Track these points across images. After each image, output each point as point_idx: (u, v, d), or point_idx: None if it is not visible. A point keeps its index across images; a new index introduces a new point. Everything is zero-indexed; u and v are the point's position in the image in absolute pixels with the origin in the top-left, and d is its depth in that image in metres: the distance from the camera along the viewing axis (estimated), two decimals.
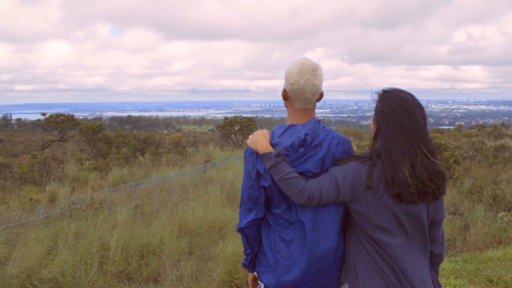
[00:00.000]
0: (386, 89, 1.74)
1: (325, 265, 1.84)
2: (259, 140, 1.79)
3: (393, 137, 1.62)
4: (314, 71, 1.81)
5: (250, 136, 1.85)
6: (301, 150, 1.80)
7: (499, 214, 7.17)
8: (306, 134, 1.82)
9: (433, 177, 1.62)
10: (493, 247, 5.88)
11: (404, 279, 1.66)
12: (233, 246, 5.54)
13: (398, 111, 1.63)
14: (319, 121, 1.88)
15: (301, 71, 1.81)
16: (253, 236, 1.94)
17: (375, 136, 1.72)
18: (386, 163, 1.61)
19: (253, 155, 1.86)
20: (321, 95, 1.88)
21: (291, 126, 1.86)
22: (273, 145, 1.82)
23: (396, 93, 1.70)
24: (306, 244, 1.84)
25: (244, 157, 1.93)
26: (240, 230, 1.93)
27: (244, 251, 2.02)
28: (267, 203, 1.89)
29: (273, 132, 1.89)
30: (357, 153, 1.78)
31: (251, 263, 2.01)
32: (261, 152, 1.77)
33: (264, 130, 1.82)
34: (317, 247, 1.83)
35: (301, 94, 1.82)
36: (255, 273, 2.04)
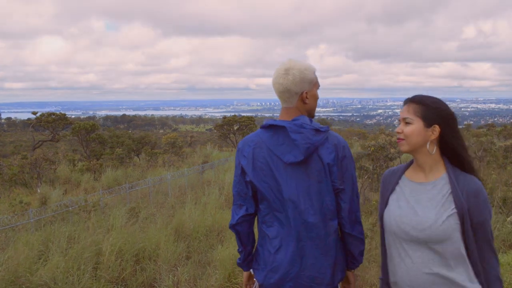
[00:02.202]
0: (426, 96, 1.81)
1: (308, 263, 1.90)
2: None
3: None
4: (285, 70, 1.94)
5: None
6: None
7: (509, 218, 7.17)
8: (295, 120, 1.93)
9: None
10: (503, 252, 5.88)
11: None
12: (232, 250, 5.54)
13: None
14: (311, 119, 1.97)
15: (275, 70, 1.99)
16: (245, 233, 2.03)
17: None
18: None
19: (239, 151, 2.00)
20: (302, 96, 1.96)
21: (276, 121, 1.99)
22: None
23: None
24: (289, 240, 1.92)
25: None
26: (232, 226, 2.03)
27: (237, 249, 2.10)
28: (255, 198, 2.00)
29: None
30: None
31: (245, 261, 2.09)
32: None
33: None
34: (301, 244, 1.90)
35: (275, 92, 2.01)
36: (250, 271, 2.12)
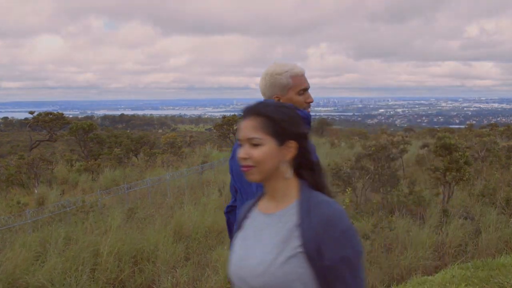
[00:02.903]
0: (270, 103, 1.42)
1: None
2: None
3: None
4: (264, 74, 2.08)
5: None
6: None
7: None
8: None
9: None
10: (506, 253, 5.88)
11: None
12: None
13: None
14: None
15: None
16: (233, 222, 2.17)
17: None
18: None
19: (233, 151, 2.15)
20: (275, 99, 2.03)
21: None
22: None
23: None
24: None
25: None
26: (224, 213, 2.26)
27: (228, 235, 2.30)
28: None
29: None
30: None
31: None
32: None
33: None
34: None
35: None
36: None
